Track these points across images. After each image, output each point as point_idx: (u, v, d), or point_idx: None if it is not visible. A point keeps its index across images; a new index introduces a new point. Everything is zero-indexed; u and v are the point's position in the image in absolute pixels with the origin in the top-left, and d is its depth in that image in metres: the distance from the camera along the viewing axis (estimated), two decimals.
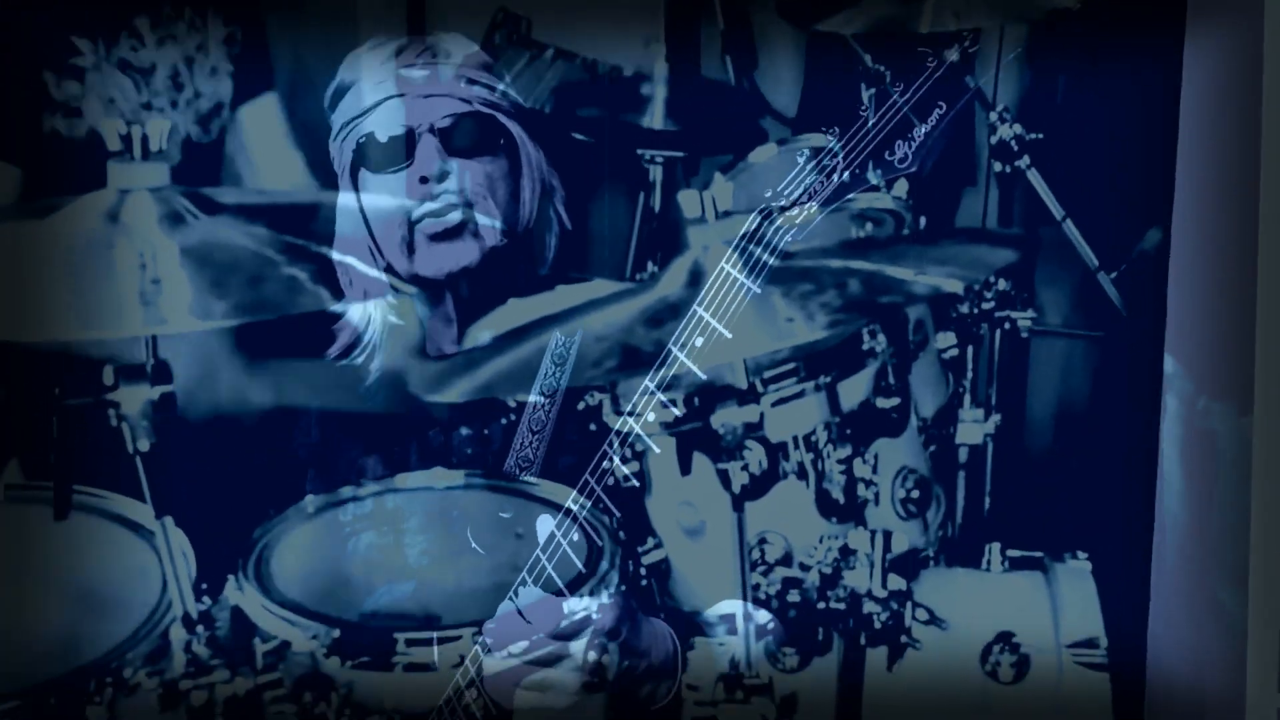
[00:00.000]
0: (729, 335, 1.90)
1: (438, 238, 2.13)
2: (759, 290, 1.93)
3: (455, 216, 2.13)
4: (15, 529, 2.00)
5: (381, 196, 2.13)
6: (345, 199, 2.14)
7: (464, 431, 2.15)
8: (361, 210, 2.14)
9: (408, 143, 2.10)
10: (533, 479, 2.10)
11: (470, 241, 2.14)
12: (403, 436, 2.16)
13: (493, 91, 2.15)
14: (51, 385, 1.81)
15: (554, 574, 1.88)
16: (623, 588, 1.95)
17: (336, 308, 2.16)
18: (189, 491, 1.87)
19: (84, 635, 1.87)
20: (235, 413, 2.16)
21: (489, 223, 2.14)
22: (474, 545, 1.99)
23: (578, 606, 1.89)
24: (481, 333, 2.14)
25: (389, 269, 2.16)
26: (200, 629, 1.83)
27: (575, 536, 1.90)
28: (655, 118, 2.27)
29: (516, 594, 1.87)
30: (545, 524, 1.89)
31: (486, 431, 2.15)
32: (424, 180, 2.11)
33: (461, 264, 2.13)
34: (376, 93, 2.11)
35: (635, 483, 2.02)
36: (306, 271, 2.08)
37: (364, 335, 2.21)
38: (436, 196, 2.12)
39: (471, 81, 2.13)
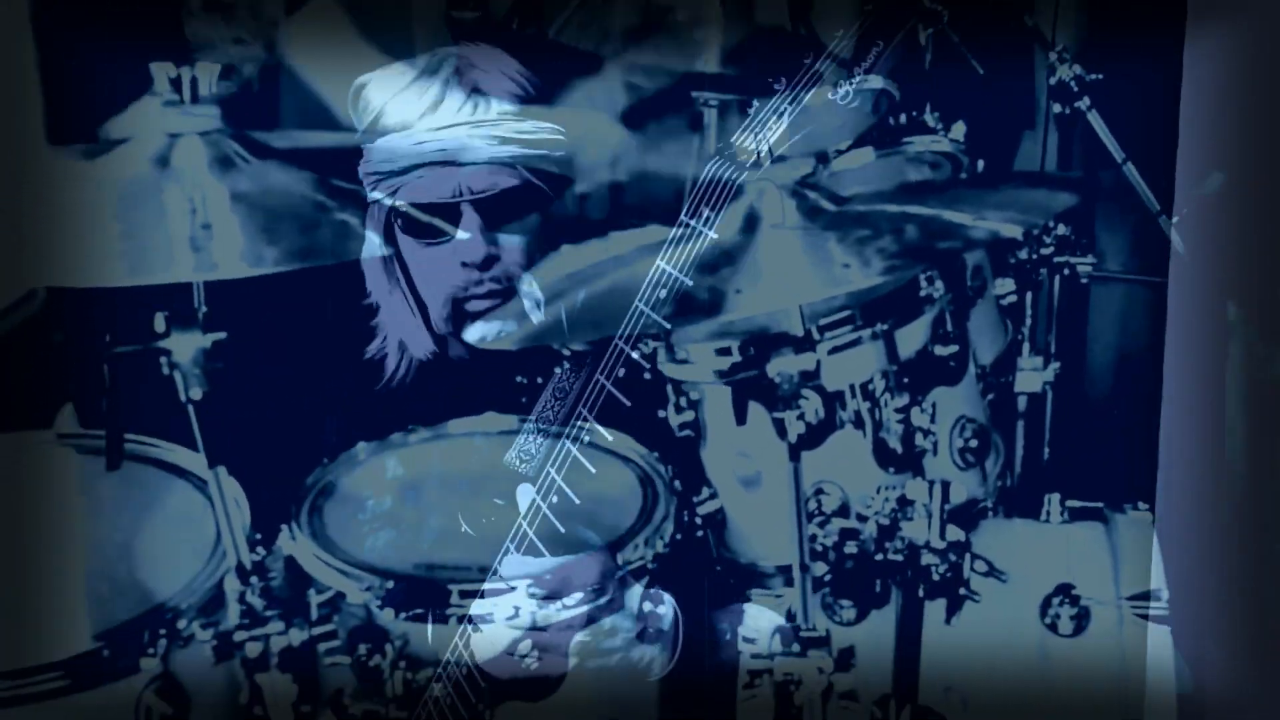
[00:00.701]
0: (689, 282, 1.86)
1: (481, 313, 2.14)
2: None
3: (499, 299, 2.13)
4: (68, 478, 1.99)
5: (424, 274, 2.16)
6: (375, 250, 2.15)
7: (517, 379, 2.13)
8: (400, 273, 2.15)
9: (448, 213, 2.08)
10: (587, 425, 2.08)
11: (512, 319, 2.13)
12: (455, 384, 2.14)
13: (531, 145, 2.11)
14: (102, 332, 1.78)
15: (536, 539, 1.85)
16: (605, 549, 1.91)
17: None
18: (242, 440, 1.84)
19: (138, 586, 1.86)
20: (285, 360, 2.15)
21: (531, 304, 2.12)
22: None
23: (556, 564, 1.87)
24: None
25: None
26: (254, 580, 1.81)
27: (555, 499, 1.86)
28: (710, 61, 2.23)
29: (500, 566, 1.85)
30: (525, 492, 1.87)
31: (540, 380, 2.12)
32: (466, 264, 2.12)
33: (505, 332, 2.13)
34: (413, 155, 2.07)
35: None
36: (358, 217, 2.06)
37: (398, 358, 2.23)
38: (480, 281, 2.12)
39: (508, 140, 2.09)
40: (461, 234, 2.09)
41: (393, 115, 2.08)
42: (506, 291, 2.13)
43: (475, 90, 2.08)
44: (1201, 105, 2.13)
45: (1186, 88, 2.12)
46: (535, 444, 2.00)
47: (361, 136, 2.08)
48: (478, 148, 2.07)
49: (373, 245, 2.12)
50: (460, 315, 2.15)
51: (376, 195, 2.09)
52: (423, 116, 2.07)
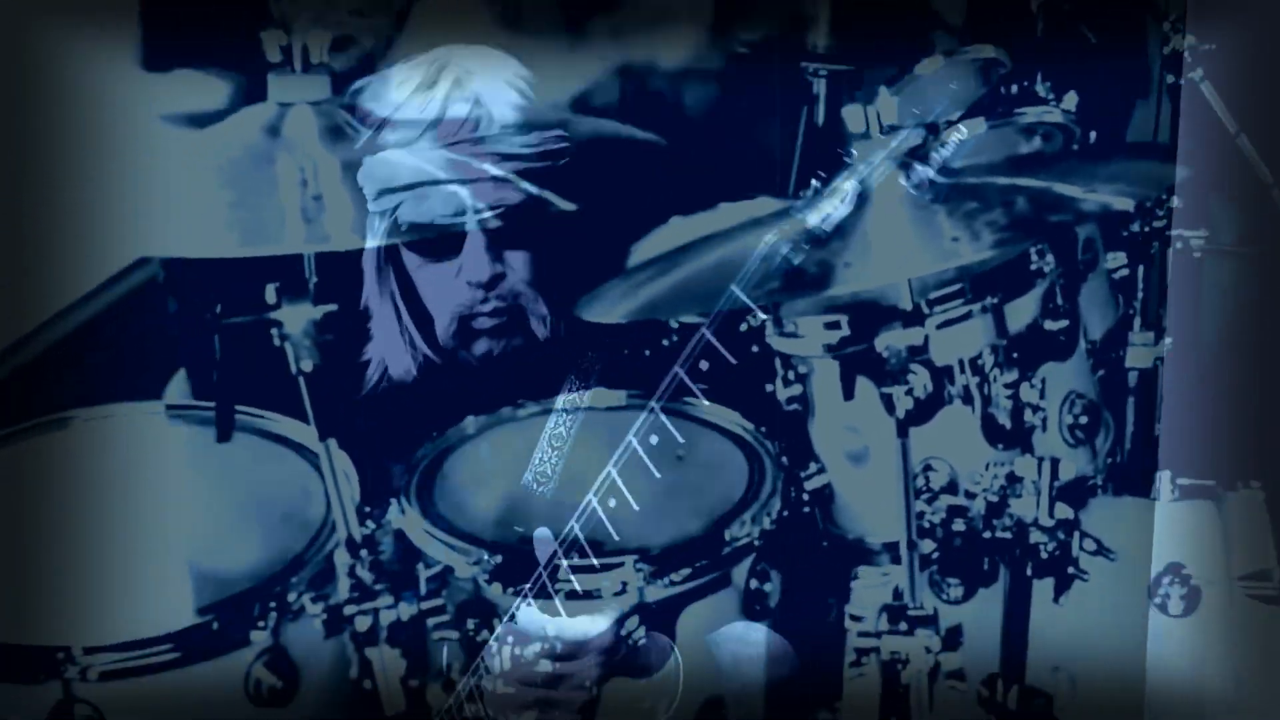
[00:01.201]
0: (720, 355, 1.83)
1: (488, 330, 2.14)
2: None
3: (505, 316, 2.14)
4: (178, 449, 1.99)
5: (429, 290, 2.15)
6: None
7: (625, 353, 2.11)
8: (396, 287, 2.15)
9: (452, 232, 2.07)
10: (697, 400, 2.06)
11: (518, 333, 2.14)
12: (564, 358, 2.13)
13: (535, 159, 2.08)
14: (213, 303, 1.77)
15: (549, 584, 1.84)
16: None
17: None
18: (352, 412, 1.84)
19: (247, 559, 1.86)
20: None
21: (536, 320, 2.14)
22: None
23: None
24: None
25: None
26: (364, 553, 1.81)
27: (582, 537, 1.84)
28: (820, 33, 2.21)
29: (515, 615, 1.84)
30: (544, 538, 1.85)
31: (648, 353, 2.11)
32: (472, 284, 2.11)
33: (511, 346, 2.13)
34: (415, 173, 2.05)
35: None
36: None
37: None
38: (486, 299, 2.12)
39: (508, 157, 2.06)
40: (467, 254, 2.09)
41: (394, 131, 2.06)
42: (513, 309, 2.12)
43: (477, 103, 2.06)
44: None
45: None
46: (551, 463, 1.99)
47: (362, 145, 2.06)
48: (481, 165, 2.05)
49: (370, 254, 2.11)
50: (467, 332, 2.14)
51: (376, 208, 2.08)
52: (424, 132, 2.05)
